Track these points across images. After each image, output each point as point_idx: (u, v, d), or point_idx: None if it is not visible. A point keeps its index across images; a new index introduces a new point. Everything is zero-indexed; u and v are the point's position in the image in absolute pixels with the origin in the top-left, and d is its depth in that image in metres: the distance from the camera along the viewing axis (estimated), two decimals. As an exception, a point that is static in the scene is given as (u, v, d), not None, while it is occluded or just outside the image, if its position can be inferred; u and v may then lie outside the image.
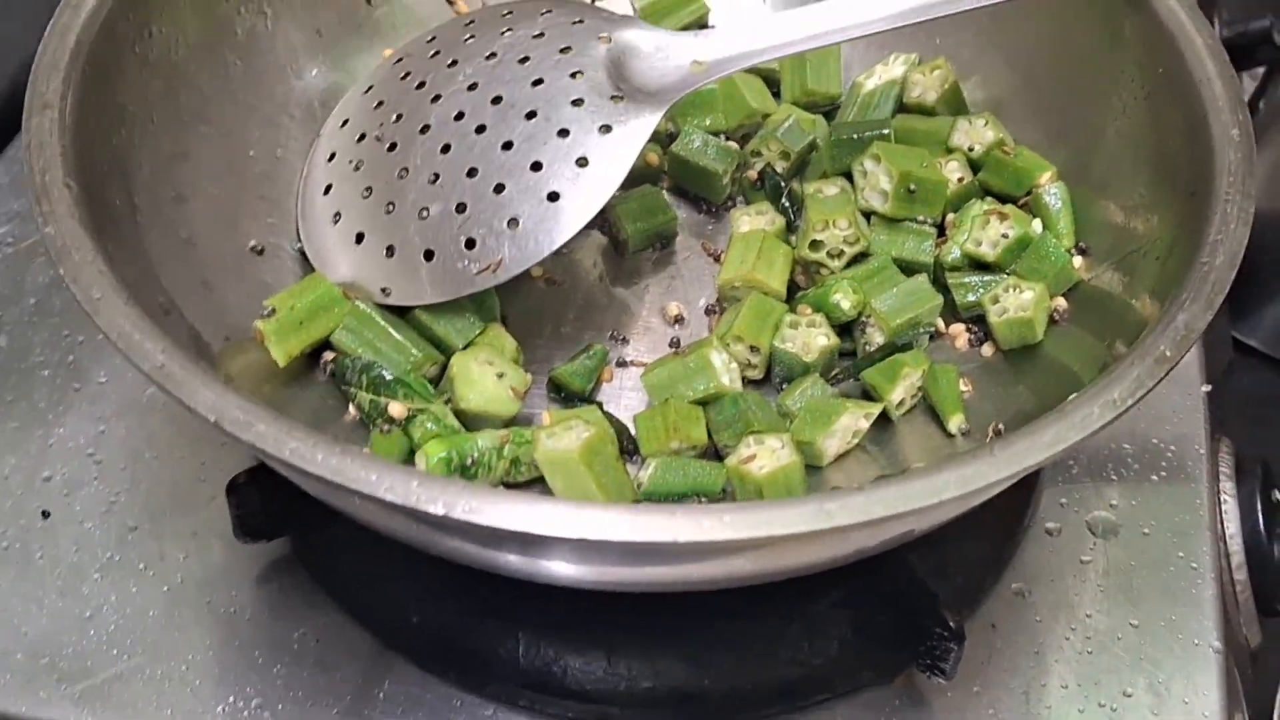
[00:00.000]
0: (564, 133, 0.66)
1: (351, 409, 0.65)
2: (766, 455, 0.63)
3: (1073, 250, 0.71)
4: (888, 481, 0.47)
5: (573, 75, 0.68)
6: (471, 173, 0.66)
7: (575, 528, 0.45)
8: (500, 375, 0.65)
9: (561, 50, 0.68)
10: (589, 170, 0.65)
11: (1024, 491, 0.70)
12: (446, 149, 0.67)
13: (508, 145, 0.66)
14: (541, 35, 0.69)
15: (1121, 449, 0.72)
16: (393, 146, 0.68)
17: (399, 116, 0.69)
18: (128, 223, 0.61)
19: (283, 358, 0.64)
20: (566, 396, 0.69)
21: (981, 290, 0.70)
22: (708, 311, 0.74)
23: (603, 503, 0.54)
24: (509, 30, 0.70)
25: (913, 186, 0.72)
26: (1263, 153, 0.88)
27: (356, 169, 0.69)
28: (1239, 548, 0.70)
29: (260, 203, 0.72)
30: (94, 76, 0.62)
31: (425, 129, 0.67)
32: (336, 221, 0.69)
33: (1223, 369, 0.84)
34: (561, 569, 0.54)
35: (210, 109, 0.70)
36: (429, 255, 0.66)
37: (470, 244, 0.65)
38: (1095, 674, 0.64)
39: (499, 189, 0.65)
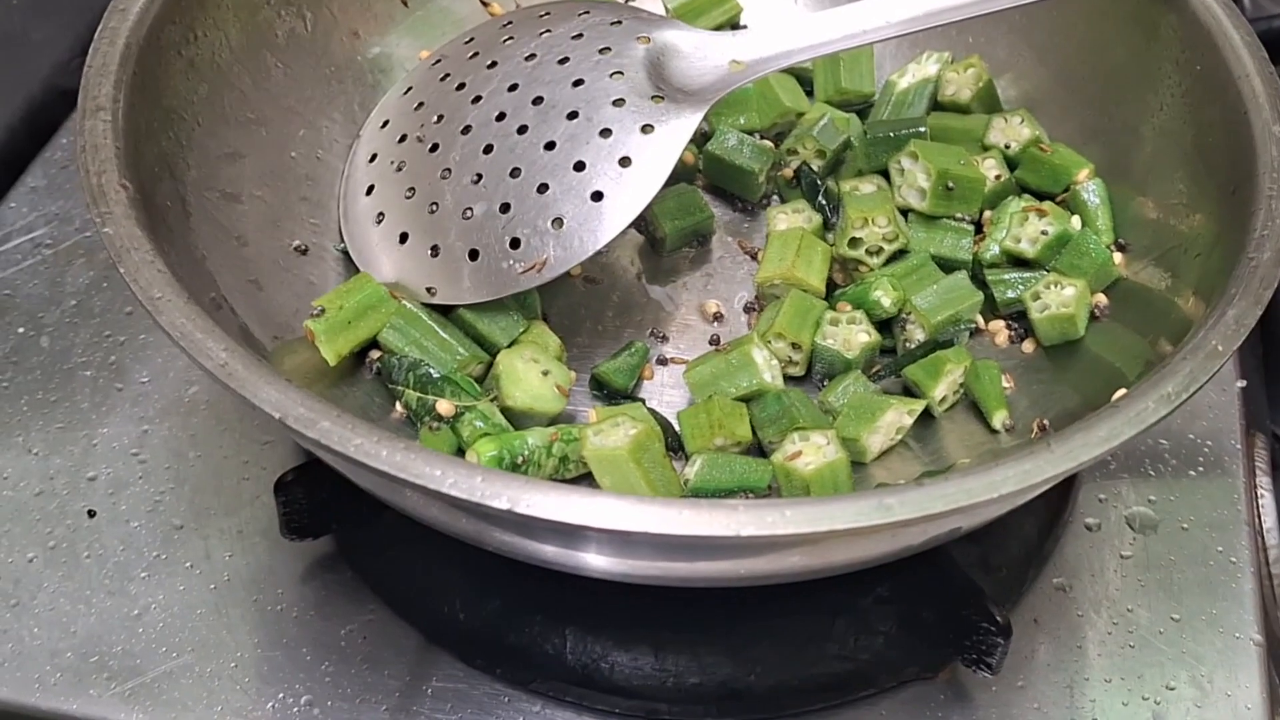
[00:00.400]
0: (606, 133, 0.66)
1: (399, 407, 0.65)
2: (812, 452, 0.63)
3: (1112, 246, 0.71)
4: (945, 477, 0.48)
5: (612, 75, 0.68)
6: (515, 173, 0.66)
7: (639, 522, 0.45)
8: (545, 373, 0.66)
9: (601, 51, 0.69)
10: (632, 170, 0.65)
11: (1063, 487, 0.70)
12: (489, 149, 0.67)
13: (550, 145, 0.66)
14: (580, 36, 0.70)
15: (1159, 445, 0.72)
16: (434, 147, 0.69)
17: (440, 117, 0.69)
18: (179, 222, 0.62)
19: (333, 357, 0.65)
20: (609, 394, 0.69)
21: (1021, 287, 0.71)
22: (746, 309, 0.74)
23: (664, 498, 0.55)
24: (547, 31, 0.71)
25: (950, 184, 0.72)
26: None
27: (398, 170, 0.70)
28: (1276, 541, 0.71)
29: (302, 204, 0.72)
30: (143, 80, 0.62)
31: (467, 130, 0.68)
32: (380, 222, 0.69)
33: (1256, 365, 0.84)
34: (613, 564, 0.54)
35: (253, 111, 0.71)
36: (474, 255, 0.66)
37: (515, 244, 0.65)
38: (1138, 668, 0.64)
39: (543, 189, 0.65)
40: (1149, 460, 0.72)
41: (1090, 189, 0.72)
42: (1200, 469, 0.72)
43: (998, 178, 0.74)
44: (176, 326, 0.51)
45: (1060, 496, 0.70)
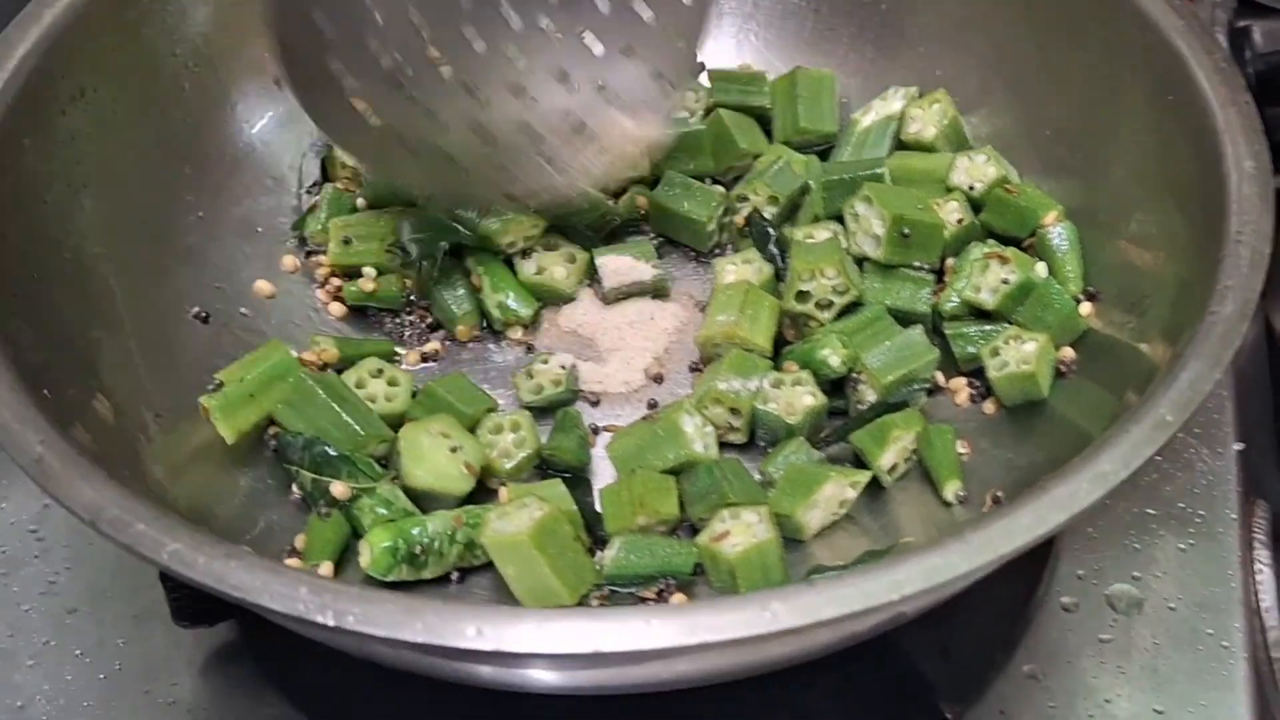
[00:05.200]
0: None
1: (295, 489, 0.61)
2: (741, 531, 0.58)
3: (1081, 295, 0.66)
4: (841, 576, 0.42)
5: None
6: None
7: (489, 639, 0.40)
8: (454, 449, 0.61)
9: None
10: None
11: (1037, 562, 0.64)
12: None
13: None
14: None
15: (1145, 513, 0.66)
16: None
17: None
18: (58, 288, 0.58)
19: (231, 435, 0.61)
20: (561, 471, 0.64)
21: (982, 341, 0.65)
22: (692, 368, 0.69)
23: (517, 608, 0.49)
24: None
25: (907, 230, 0.66)
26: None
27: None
28: (1275, 622, 0.64)
29: (202, 266, 0.68)
30: (15, 142, 0.59)
31: None
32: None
33: (1265, 422, 0.78)
34: (504, 675, 0.49)
35: (147, 168, 0.67)
36: None
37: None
38: (1116, 768, 0.58)
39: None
40: (1134, 531, 0.66)
41: (1058, 233, 0.66)
42: (1191, 541, 0.65)
43: (960, 222, 0.69)
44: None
45: (1033, 573, 0.64)
